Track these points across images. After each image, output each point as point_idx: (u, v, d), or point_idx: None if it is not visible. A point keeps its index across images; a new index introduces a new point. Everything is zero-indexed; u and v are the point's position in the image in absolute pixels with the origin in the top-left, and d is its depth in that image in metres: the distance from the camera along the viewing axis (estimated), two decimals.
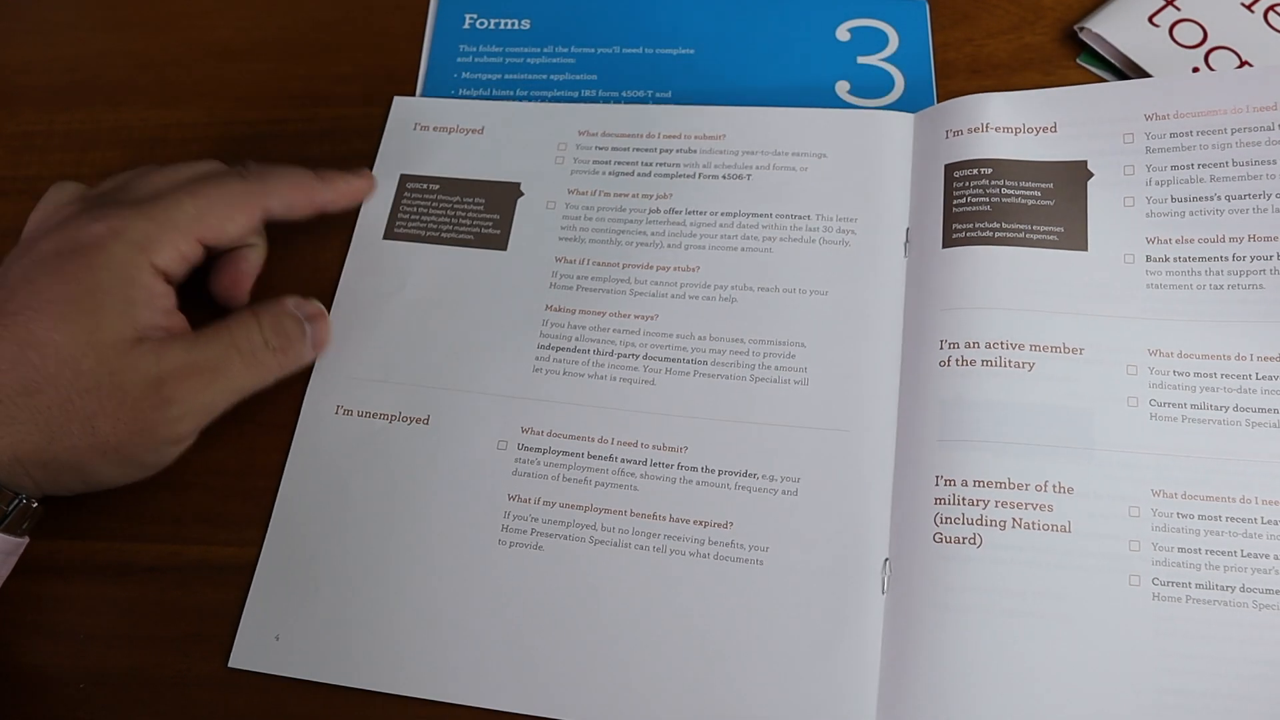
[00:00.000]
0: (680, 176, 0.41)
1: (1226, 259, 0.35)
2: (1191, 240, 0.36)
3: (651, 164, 0.41)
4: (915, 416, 0.35)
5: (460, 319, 0.39)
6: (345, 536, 0.35)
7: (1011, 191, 0.37)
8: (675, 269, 0.39)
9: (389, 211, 0.41)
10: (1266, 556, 0.32)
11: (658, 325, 0.38)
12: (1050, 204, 0.37)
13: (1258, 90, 0.36)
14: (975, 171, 0.37)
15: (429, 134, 0.43)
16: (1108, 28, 0.44)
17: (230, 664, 0.34)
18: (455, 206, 0.41)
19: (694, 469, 0.36)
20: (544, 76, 0.45)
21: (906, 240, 0.38)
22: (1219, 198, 0.36)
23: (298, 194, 0.38)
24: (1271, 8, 0.44)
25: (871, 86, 0.44)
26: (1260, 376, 0.34)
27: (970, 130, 0.38)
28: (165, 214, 0.34)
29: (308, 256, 0.41)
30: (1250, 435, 0.33)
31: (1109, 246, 0.36)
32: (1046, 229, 0.36)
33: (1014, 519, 0.33)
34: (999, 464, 0.34)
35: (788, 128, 0.41)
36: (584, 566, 0.34)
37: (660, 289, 0.39)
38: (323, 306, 0.38)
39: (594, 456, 0.36)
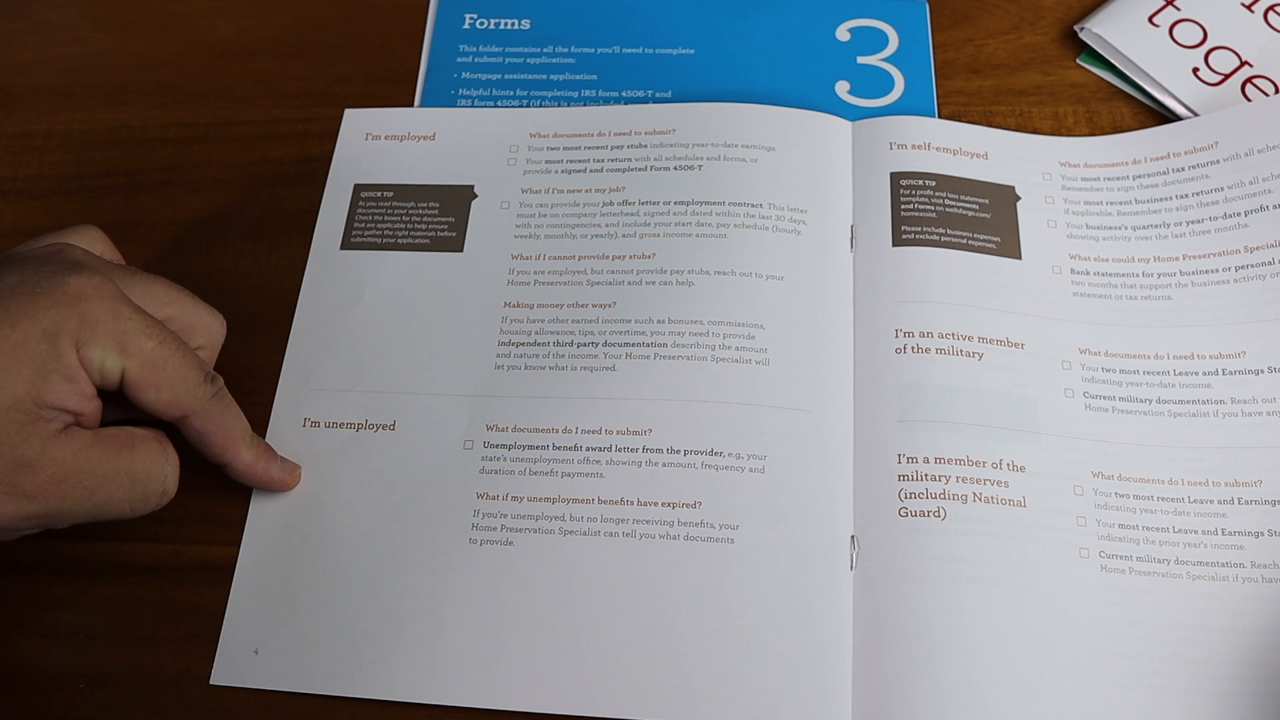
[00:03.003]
0: (632, 170, 0.41)
1: (1138, 275, 0.39)
2: (1106, 259, 0.39)
3: (604, 160, 0.42)
4: (874, 398, 0.36)
5: (420, 322, 0.39)
6: (319, 547, 0.35)
7: (954, 202, 0.40)
8: (631, 257, 0.39)
9: (344, 222, 0.41)
10: (1195, 532, 0.34)
11: (616, 312, 0.38)
12: (988, 217, 0.40)
13: (1153, 146, 0.41)
14: (921, 182, 0.40)
15: (381, 143, 0.43)
16: (1108, 28, 0.44)
17: (211, 681, 0.34)
18: (410, 212, 0.41)
19: (659, 450, 0.36)
20: (544, 76, 0.45)
21: (852, 236, 0.40)
22: (1126, 228, 0.40)
23: (260, 458, 0.35)
24: (1271, 8, 0.44)
25: (872, 86, 0.44)
26: (1177, 373, 0.37)
27: (914, 146, 0.41)
28: (127, 335, 0.31)
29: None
30: (1173, 424, 0.36)
31: (1039, 257, 0.39)
32: (986, 238, 0.39)
33: (974, 493, 0.35)
34: (957, 442, 0.35)
35: (734, 122, 0.42)
36: (555, 558, 0.34)
37: (617, 277, 0.39)
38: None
39: (559, 448, 0.36)
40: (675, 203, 0.40)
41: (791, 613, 0.33)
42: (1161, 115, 0.43)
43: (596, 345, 0.38)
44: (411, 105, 0.45)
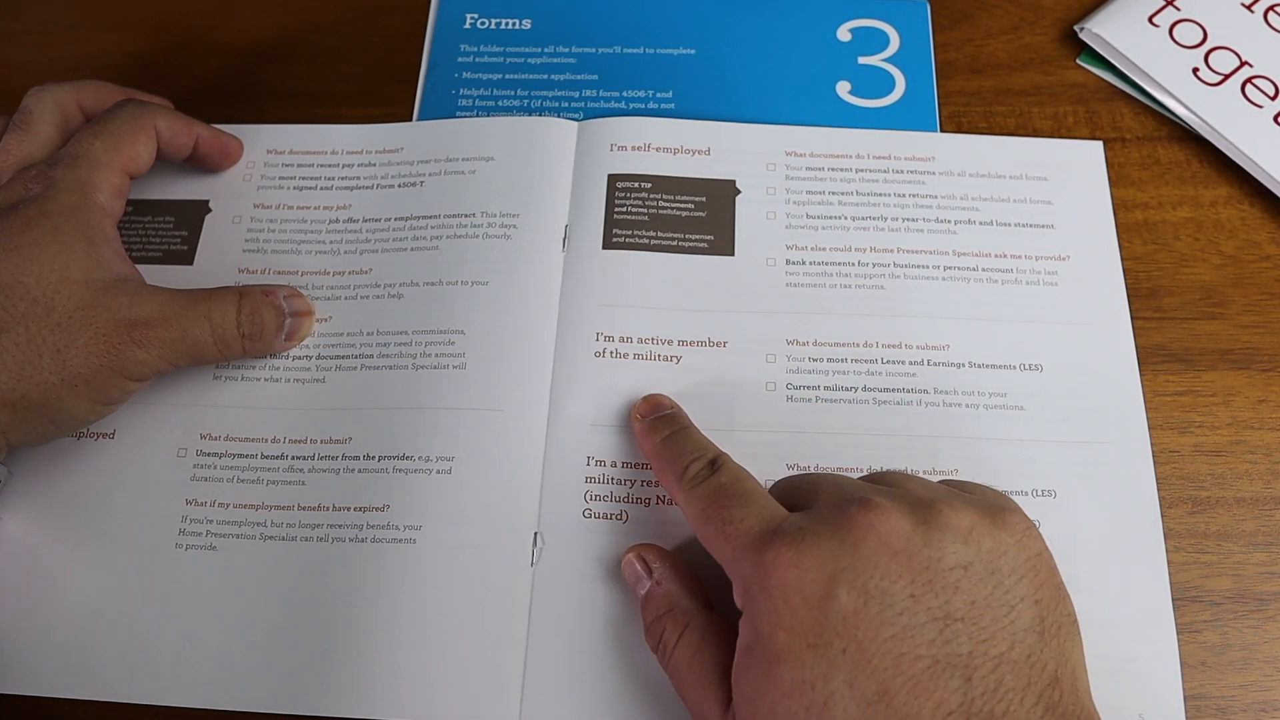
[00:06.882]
0: (359, 188, 0.42)
1: (854, 264, 0.40)
2: (824, 249, 0.40)
3: (333, 178, 0.43)
4: (569, 400, 0.37)
5: None
6: (34, 550, 0.36)
7: (668, 204, 0.41)
8: (350, 273, 0.40)
9: None
10: None
11: (331, 326, 0.39)
12: (703, 216, 0.41)
13: (873, 145, 0.43)
14: (636, 185, 0.41)
15: None
16: (1108, 28, 0.44)
17: None
18: (146, 226, 0.42)
19: (356, 458, 0.37)
20: (545, 76, 0.45)
21: (565, 237, 0.40)
22: (845, 218, 0.41)
23: (178, 119, 0.39)
24: (1271, 8, 0.44)
25: (872, 87, 0.44)
26: (885, 361, 0.38)
27: (634, 148, 0.42)
28: (85, 158, 0.35)
29: None
30: (877, 412, 0.37)
31: (753, 252, 0.40)
32: (698, 237, 0.40)
33: (659, 496, 0.36)
34: None
35: (459, 136, 0.43)
36: (253, 562, 0.35)
37: (335, 292, 0.40)
38: (311, 305, 0.39)
39: (267, 456, 0.37)
40: (395, 219, 0.41)
41: (469, 607, 0.34)
42: (1162, 115, 0.43)
43: (310, 358, 0.39)
44: (413, 105, 0.45)
